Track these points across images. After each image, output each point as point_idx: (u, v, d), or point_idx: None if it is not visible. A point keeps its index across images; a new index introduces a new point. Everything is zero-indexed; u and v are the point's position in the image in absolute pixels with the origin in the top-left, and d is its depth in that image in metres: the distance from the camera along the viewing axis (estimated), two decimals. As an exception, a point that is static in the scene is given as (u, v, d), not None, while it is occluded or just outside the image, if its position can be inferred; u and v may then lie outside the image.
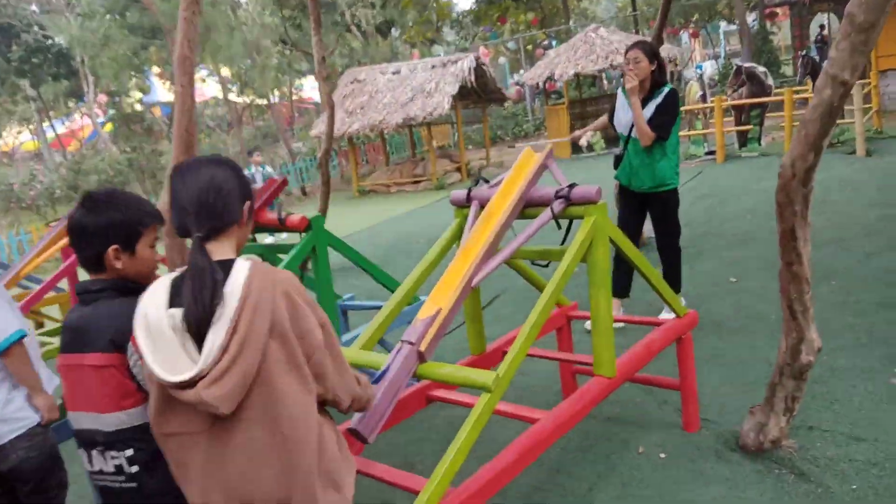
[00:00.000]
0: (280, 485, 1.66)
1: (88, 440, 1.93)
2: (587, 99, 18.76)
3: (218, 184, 1.73)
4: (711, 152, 12.72)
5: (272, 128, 23.94)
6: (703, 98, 13.40)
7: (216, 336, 1.59)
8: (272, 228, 3.75)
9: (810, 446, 3.22)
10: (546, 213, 2.76)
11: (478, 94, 16.78)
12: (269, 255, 4.02)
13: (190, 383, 1.59)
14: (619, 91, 4.85)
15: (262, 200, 3.75)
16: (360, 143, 20.93)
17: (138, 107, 25.92)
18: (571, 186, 2.79)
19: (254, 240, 4.11)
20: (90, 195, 2.04)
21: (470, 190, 3.05)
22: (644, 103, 4.61)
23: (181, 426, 1.69)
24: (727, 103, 12.28)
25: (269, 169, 11.70)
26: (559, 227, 2.78)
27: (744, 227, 7.50)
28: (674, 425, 3.59)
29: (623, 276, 5.02)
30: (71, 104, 30.78)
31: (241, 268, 1.66)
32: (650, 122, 4.57)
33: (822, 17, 23.07)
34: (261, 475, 1.64)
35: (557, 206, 2.78)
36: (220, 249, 1.74)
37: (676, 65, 21.50)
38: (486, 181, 3.11)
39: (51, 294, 5.83)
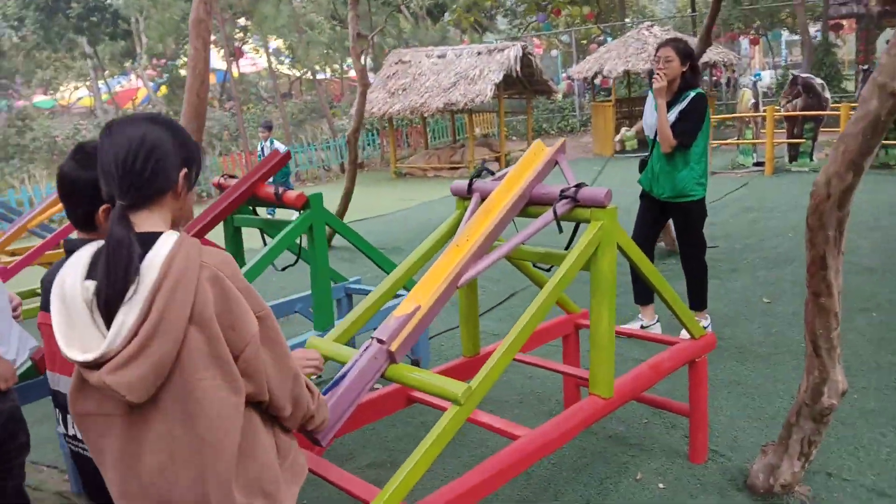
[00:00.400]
0: (196, 490, 1.45)
1: (64, 403, 1.81)
2: (636, 98, 18.23)
3: (149, 145, 1.50)
4: (760, 163, 12.21)
5: (318, 103, 23.92)
6: (756, 107, 12.85)
7: (126, 317, 1.38)
8: (272, 204, 3.55)
9: (826, 496, 2.91)
10: (548, 214, 2.50)
11: (523, 84, 16.41)
12: (270, 229, 3.81)
13: (95, 364, 1.39)
14: (650, 91, 4.54)
15: (262, 173, 3.55)
16: (402, 125, 20.75)
17: (183, 72, 26.12)
18: (579, 186, 2.52)
19: (254, 212, 3.90)
20: (82, 147, 1.88)
21: (472, 181, 2.79)
22: (669, 107, 4.31)
23: (97, 406, 1.49)
24: (780, 114, 11.74)
25: (278, 144, 11.40)
26: (560, 230, 2.51)
27: (784, 246, 7.09)
28: (679, 454, 3.30)
29: (642, 282, 4.71)
30: (126, 65, 31.20)
31: (166, 242, 1.44)
32: (673, 127, 4.28)
33: (890, 33, 22.09)
34: (178, 476, 1.43)
35: (562, 206, 2.51)
36: (147, 221, 1.52)
37: (733, 71, 20.81)
38: (492, 172, 2.86)
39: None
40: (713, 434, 3.44)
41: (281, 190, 3.44)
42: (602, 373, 2.60)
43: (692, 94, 4.30)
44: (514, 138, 21.59)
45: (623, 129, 4.66)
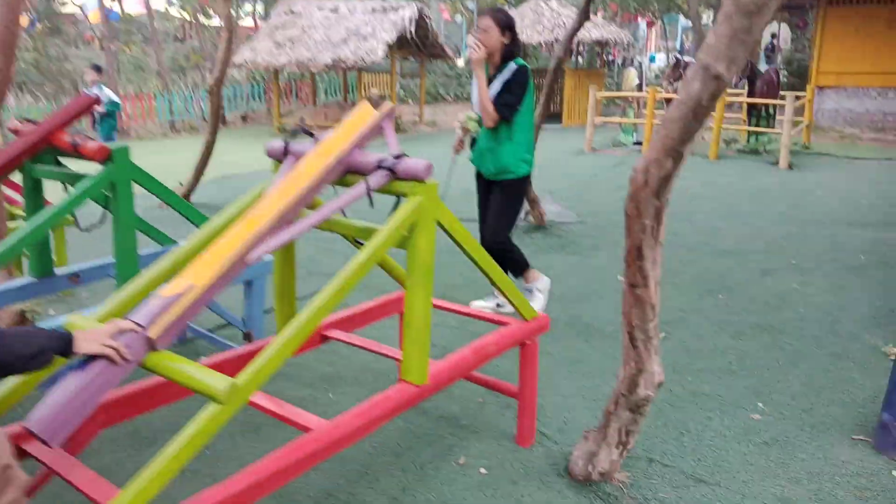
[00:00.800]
0: None
1: None
2: (532, 69, 18.21)
3: None
4: (639, 143, 12.46)
5: (210, 50, 22.60)
6: (640, 87, 13.09)
7: None
8: (71, 154, 3.14)
9: (644, 483, 2.87)
10: (361, 185, 2.26)
11: (418, 46, 16.05)
12: (72, 182, 3.37)
13: None
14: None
15: (60, 120, 3.12)
16: (292, 79, 19.96)
17: (72, 8, 24.12)
18: (399, 157, 2.29)
19: (57, 163, 3.45)
20: None
21: (287, 142, 2.51)
22: (492, 80, 4.15)
23: None
24: (661, 95, 11.99)
25: (107, 91, 10.46)
26: (371, 203, 2.28)
27: (649, 225, 7.19)
28: (507, 436, 3.20)
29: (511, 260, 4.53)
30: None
31: None
32: (495, 100, 4.11)
33: (773, 27, 23.12)
34: None
35: (378, 178, 2.28)
36: None
37: (627, 49, 21.19)
38: (311, 134, 2.59)
39: None
40: (545, 415, 3.36)
41: (79, 139, 3.03)
42: (415, 358, 2.42)
43: (514, 64, 4.13)
44: (411, 102, 21.22)
45: (460, 114, 4.38)
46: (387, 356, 2.80)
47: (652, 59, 26.56)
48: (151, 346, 1.87)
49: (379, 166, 2.28)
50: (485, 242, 4.32)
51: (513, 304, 2.91)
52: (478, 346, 2.76)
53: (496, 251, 4.25)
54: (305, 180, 2.23)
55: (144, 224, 3.54)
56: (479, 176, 4.49)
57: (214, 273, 2.00)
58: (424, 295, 2.38)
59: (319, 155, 2.33)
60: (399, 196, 2.34)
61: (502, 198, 4.33)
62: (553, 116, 16.32)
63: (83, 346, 1.77)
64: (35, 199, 3.34)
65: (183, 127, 17.33)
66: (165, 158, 12.63)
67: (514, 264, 4.45)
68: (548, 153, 11.84)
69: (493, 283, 2.79)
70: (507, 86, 4.10)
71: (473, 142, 4.42)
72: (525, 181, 4.37)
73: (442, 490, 2.84)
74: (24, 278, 3.60)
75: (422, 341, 2.42)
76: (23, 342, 1.66)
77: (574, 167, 11.13)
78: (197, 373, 1.84)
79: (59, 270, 3.65)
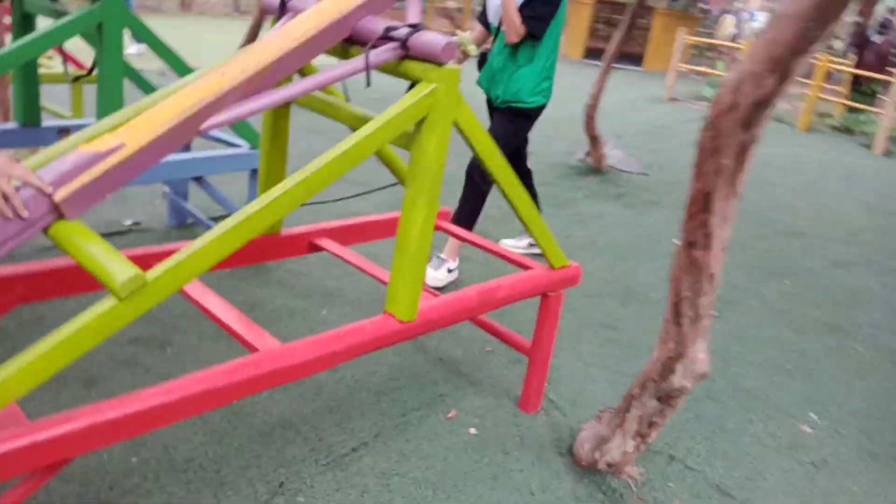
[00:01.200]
0: None
1: None
2: (621, 3, 16.81)
3: None
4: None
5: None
6: (734, 38, 12.03)
7: None
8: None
9: (659, 484, 2.39)
10: (360, 59, 1.75)
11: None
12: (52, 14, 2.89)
13: None
14: None
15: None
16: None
17: None
18: (415, 28, 1.76)
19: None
20: None
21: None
22: None
23: None
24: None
25: None
26: (369, 83, 1.77)
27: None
28: (511, 397, 2.75)
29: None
30: None
31: None
32: (521, 10, 3.39)
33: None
34: None
35: (383, 52, 1.76)
36: None
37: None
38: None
39: None
40: (557, 381, 2.90)
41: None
42: (404, 288, 1.95)
43: None
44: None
45: (459, 33, 3.58)
46: (377, 279, 2.33)
47: (752, 17, 24.89)
48: (57, 211, 1.43)
49: (386, 36, 1.75)
50: (470, 172, 3.60)
51: (539, 245, 2.40)
52: (486, 289, 2.28)
53: (467, 178, 3.59)
54: (291, 40, 1.72)
55: (135, 74, 3.03)
56: (488, 103, 3.77)
57: (154, 132, 1.54)
58: (426, 211, 1.88)
59: (319, 12, 1.81)
60: (412, 82, 1.82)
61: (502, 125, 3.62)
62: (631, 57, 15.23)
63: None
64: (25, 31, 2.91)
65: (249, 9, 16.81)
66: (223, 38, 12.18)
67: (467, 208, 3.60)
68: (621, 95, 11.02)
69: (519, 217, 2.28)
70: None
71: (483, 61, 3.73)
72: (535, 114, 3.64)
73: (420, 444, 2.41)
74: (10, 123, 3.22)
75: (415, 269, 1.94)
76: None
77: (648, 114, 10.31)
78: (101, 255, 1.40)
79: (49, 123, 3.26)
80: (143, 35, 2.84)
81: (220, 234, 1.49)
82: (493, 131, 3.58)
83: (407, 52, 1.77)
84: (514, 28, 3.38)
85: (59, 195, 1.43)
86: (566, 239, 4.54)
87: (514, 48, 3.50)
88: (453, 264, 3.65)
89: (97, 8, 2.54)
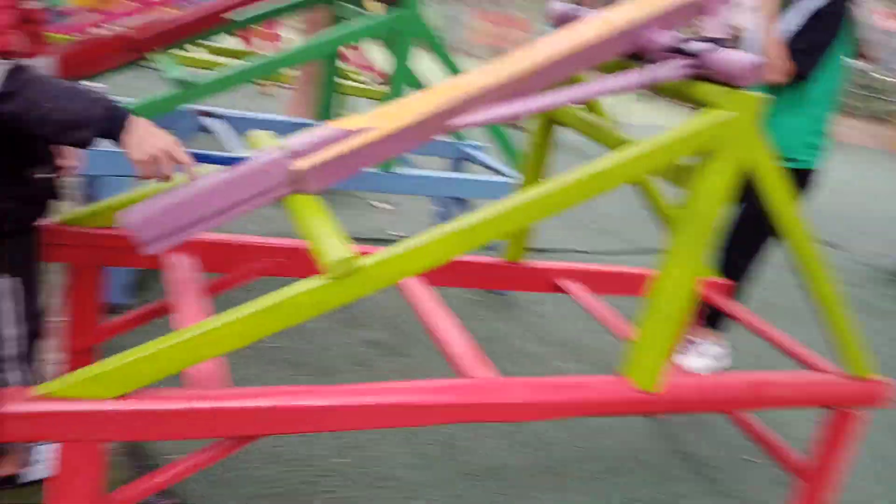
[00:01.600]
0: None
1: None
2: None
3: None
4: None
5: None
6: None
7: None
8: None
9: None
10: (632, 75, 1.51)
11: None
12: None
13: None
14: None
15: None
16: None
17: None
18: (717, 42, 1.48)
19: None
20: None
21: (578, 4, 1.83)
22: (784, 8, 2.62)
23: None
24: None
25: None
26: (638, 94, 1.52)
27: None
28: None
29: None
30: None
31: None
32: (791, 42, 2.55)
33: None
34: None
35: (668, 67, 1.50)
36: None
37: None
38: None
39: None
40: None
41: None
42: (646, 353, 1.64)
43: None
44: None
45: None
46: (616, 336, 2.03)
47: None
48: (295, 181, 1.41)
49: (675, 49, 1.49)
50: (736, 230, 2.81)
51: (838, 344, 1.92)
52: (755, 380, 1.86)
53: (745, 241, 2.79)
54: (565, 47, 1.54)
55: (419, 85, 3.06)
56: None
57: (402, 122, 1.47)
58: (688, 267, 1.57)
59: (605, 21, 1.62)
60: (698, 106, 1.54)
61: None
62: None
63: (135, 144, 1.36)
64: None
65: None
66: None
67: (739, 270, 2.78)
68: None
69: (815, 301, 1.83)
70: (815, 19, 2.55)
71: None
72: (810, 177, 2.76)
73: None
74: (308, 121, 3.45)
75: (664, 333, 1.63)
76: (58, 103, 1.28)
77: None
78: (324, 232, 1.34)
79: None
80: (434, 47, 2.85)
81: (446, 233, 1.36)
82: (756, 207, 2.47)
83: (699, 71, 1.50)
84: (780, 65, 2.54)
85: (300, 165, 1.41)
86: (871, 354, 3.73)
87: (777, 91, 2.61)
88: (720, 349, 3.08)
89: (398, 16, 2.65)
